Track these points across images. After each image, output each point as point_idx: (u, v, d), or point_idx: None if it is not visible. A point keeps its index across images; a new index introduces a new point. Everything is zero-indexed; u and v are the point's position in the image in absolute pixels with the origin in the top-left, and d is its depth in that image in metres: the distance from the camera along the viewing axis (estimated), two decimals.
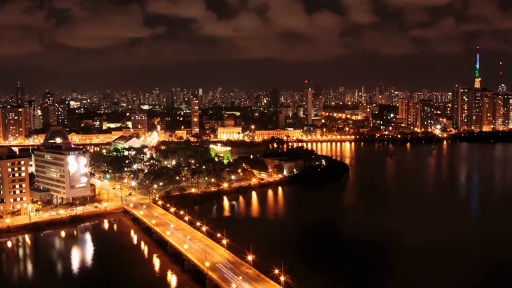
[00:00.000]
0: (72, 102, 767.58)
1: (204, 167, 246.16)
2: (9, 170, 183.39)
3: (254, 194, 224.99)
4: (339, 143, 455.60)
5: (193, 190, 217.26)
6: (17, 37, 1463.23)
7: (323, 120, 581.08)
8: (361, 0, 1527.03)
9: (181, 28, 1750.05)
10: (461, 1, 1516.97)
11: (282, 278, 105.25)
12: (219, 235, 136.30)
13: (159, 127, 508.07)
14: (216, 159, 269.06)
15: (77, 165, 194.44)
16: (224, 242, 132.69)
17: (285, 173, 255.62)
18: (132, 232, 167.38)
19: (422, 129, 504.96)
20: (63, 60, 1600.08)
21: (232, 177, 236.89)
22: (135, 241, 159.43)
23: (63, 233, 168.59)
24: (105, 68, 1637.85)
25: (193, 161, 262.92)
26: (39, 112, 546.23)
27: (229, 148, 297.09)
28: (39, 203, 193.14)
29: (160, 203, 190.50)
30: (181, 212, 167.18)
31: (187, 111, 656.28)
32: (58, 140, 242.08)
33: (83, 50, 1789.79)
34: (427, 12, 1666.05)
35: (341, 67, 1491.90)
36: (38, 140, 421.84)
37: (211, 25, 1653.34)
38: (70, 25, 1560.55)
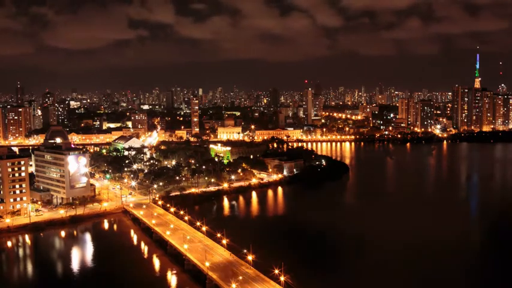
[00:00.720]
0: (72, 102, 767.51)
1: (204, 167, 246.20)
2: (9, 170, 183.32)
3: (254, 194, 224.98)
4: (339, 143, 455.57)
5: (193, 190, 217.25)
6: (6, 40, 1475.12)
7: (323, 120, 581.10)
8: (320, 3, 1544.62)
9: (162, 31, 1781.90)
10: (425, 3, 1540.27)
11: (282, 278, 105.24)
12: (219, 235, 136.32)
13: (159, 127, 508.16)
14: (216, 159, 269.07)
15: (77, 165, 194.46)
16: (224, 242, 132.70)
17: (285, 173, 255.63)
18: (132, 232, 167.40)
19: (422, 129, 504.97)
20: (55, 61, 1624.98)
21: (232, 177, 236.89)
22: (135, 241, 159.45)
23: (63, 233, 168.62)
24: (96, 68, 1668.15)
25: (193, 161, 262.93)
26: (39, 112, 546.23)
27: (229, 148, 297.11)
28: (39, 203, 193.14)
29: (160, 203, 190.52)
30: (181, 212, 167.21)
31: (187, 111, 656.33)
32: (58, 140, 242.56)
33: (73, 51, 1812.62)
34: (395, 14, 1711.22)
35: (323, 67, 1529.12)
36: (38, 140, 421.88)
37: (188, 29, 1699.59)
38: (52, 28, 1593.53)
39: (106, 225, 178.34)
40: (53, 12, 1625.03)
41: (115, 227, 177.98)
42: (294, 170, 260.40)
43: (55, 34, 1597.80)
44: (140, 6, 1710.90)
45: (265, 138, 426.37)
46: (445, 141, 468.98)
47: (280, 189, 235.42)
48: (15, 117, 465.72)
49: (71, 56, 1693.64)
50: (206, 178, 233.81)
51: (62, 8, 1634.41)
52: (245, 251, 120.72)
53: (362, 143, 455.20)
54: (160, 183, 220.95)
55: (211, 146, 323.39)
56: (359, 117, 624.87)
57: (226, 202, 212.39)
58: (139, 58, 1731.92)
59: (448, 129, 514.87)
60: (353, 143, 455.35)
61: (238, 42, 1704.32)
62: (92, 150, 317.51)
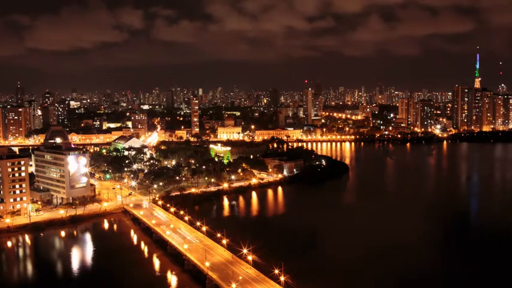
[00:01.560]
0: (72, 102, 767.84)
1: (204, 167, 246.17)
2: (9, 170, 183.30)
3: (254, 194, 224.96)
4: (339, 143, 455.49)
5: (193, 190, 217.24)
6: None
7: (323, 120, 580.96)
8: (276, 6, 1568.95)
9: (140, 34, 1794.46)
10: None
11: (282, 278, 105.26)
12: (219, 235, 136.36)
13: (159, 127, 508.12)
14: (216, 159, 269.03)
15: (77, 165, 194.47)
16: (224, 242, 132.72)
17: (285, 173, 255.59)
18: (132, 232, 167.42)
19: (422, 129, 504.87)
20: (46, 62, 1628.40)
21: (232, 177, 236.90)
22: (135, 241, 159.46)
23: (63, 233, 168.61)
24: (93, 68, 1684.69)
25: (193, 161, 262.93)
26: (39, 112, 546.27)
27: (229, 148, 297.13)
28: (39, 203, 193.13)
29: (160, 203, 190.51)
30: (181, 212, 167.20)
31: (187, 111, 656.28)
32: (58, 140, 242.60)
33: (61, 52, 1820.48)
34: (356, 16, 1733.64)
35: (303, 68, 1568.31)
36: (38, 140, 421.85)
37: (164, 32, 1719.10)
38: (29, 33, 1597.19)
39: (106, 225, 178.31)
40: (31, 17, 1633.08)
41: (115, 227, 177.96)
42: (294, 170, 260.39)
43: (33, 38, 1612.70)
44: (111, 11, 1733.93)
45: (265, 138, 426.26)
46: (445, 141, 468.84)
47: (280, 189, 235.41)
48: (15, 117, 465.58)
49: (59, 57, 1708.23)
50: (206, 178, 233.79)
51: (41, 11, 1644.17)
52: (245, 251, 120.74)
53: (362, 143, 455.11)
54: (160, 183, 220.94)
55: (211, 146, 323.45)
56: (359, 117, 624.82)
57: (226, 202, 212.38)
58: (126, 59, 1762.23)
59: (448, 129, 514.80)
60: (353, 143, 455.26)
61: (219, 44, 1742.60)
62: (92, 150, 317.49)
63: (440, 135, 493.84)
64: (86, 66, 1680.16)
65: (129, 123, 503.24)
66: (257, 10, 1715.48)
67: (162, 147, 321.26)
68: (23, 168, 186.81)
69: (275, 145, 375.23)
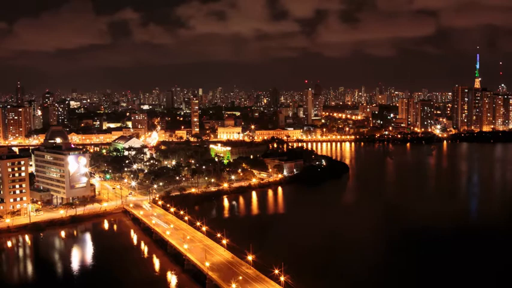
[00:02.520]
0: (72, 102, 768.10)
1: (204, 167, 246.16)
2: (9, 170, 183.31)
3: (254, 194, 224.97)
4: (339, 143, 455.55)
5: (193, 190, 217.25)
6: None
7: (323, 120, 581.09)
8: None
9: (121, 37, 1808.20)
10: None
11: (282, 278, 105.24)
12: (219, 235, 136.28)
13: (159, 127, 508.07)
14: (216, 159, 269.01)
15: (77, 165, 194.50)
16: (224, 242, 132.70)
17: (285, 173, 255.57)
18: (132, 232, 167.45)
19: (422, 129, 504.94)
20: (41, 62, 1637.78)
21: (232, 177, 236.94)
22: (135, 241, 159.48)
23: (63, 233, 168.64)
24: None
25: (193, 161, 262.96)
26: (39, 112, 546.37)
27: (229, 148, 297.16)
28: (39, 203, 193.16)
29: (160, 203, 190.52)
30: (181, 212, 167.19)
31: (187, 111, 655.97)
32: (58, 140, 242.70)
33: (53, 52, 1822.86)
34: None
35: (283, 69, 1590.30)
36: (38, 140, 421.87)
37: (144, 35, 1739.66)
38: (13, 37, 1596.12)
39: (106, 225, 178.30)
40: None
41: (115, 227, 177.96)
42: (294, 170, 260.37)
43: (19, 39, 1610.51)
44: (97, 14, 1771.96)
45: (265, 138, 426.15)
46: (445, 141, 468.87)
47: (280, 189, 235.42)
48: (15, 117, 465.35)
49: (52, 58, 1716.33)
50: (206, 178, 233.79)
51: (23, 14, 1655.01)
52: (245, 251, 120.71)
53: (362, 143, 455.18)
54: (160, 183, 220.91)
55: (211, 146, 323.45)
56: (359, 117, 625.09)
57: (226, 202, 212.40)
58: (113, 60, 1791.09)
59: (448, 129, 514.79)
60: (353, 143, 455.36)
61: (197, 45, 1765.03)
62: (92, 150, 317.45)
63: (440, 135, 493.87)
64: (75, 67, 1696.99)
65: (129, 123, 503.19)
66: (224, 13, 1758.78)
67: (162, 147, 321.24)
68: (23, 168, 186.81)
69: (275, 145, 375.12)
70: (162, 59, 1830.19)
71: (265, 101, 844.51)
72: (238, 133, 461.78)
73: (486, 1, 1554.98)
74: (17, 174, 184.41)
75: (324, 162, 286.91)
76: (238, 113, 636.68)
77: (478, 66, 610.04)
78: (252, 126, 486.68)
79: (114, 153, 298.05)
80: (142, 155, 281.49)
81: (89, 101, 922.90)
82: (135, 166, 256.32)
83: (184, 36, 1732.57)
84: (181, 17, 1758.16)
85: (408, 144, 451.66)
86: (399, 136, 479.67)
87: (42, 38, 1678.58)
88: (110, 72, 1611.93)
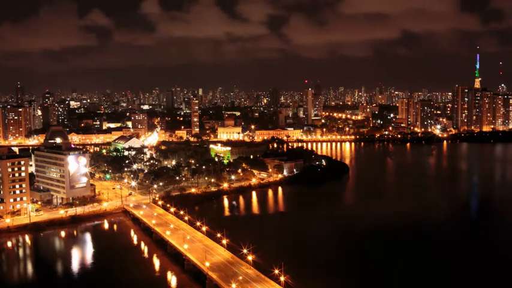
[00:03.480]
0: (72, 102, 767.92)
1: (204, 167, 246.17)
2: (9, 170, 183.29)
3: (254, 194, 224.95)
4: (339, 143, 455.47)
5: (193, 190, 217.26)
6: None
7: (323, 120, 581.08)
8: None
9: (104, 39, 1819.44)
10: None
11: (282, 278, 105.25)
12: (219, 235, 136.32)
13: (159, 127, 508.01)
14: (216, 159, 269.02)
15: (77, 165, 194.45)
16: (224, 242, 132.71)
17: (285, 173, 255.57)
18: (132, 232, 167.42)
19: (422, 129, 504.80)
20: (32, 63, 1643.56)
21: (232, 177, 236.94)
22: (135, 241, 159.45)
23: (63, 233, 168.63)
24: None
25: (193, 161, 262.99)
26: (39, 112, 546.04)
27: (229, 148, 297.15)
28: (39, 203, 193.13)
29: (160, 203, 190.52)
30: (181, 212, 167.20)
31: (187, 111, 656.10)
32: (58, 140, 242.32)
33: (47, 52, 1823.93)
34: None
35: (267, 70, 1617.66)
36: (38, 140, 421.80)
37: (122, 37, 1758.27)
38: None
39: (106, 225, 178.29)
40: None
41: (115, 227, 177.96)
42: (294, 170, 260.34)
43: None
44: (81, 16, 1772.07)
45: (265, 138, 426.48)
46: (445, 141, 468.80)
47: (280, 189, 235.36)
48: (15, 117, 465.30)
49: (46, 58, 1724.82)
50: (206, 178, 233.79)
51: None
52: (245, 251, 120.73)
53: (362, 143, 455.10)
54: (161, 183, 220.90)
55: (211, 146, 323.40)
56: (359, 117, 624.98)
57: (226, 202, 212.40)
58: (101, 62, 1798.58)
59: (448, 129, 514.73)
60: (353, 143, 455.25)
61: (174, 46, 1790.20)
62: (92, 150, 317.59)
63: (440, 135, 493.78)
64: (63, 68, 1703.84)
65: (129, 123, 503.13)
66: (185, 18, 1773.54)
67: (162, 147, 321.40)
68: (23, 168, 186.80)
69: (275, 145, 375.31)
70: (148, 59, 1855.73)
71: (265, 101, 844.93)
72: (238, 133, 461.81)
73: (431, 8, 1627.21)
74: (17, 174, 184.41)
75: (324, 162, 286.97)
76: (238, 113, 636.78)
77: (478, 66, 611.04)
78: (252, 126, 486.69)
79: (114, 153, 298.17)
80: (142, 155, 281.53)
81: (89, 101, 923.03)
82: (135, 166, 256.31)
83: (160, 38, 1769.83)
84: (150, 23, 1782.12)
85: (408, 144, 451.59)
86: (399, 136, 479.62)
87: (29, 39, 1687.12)
88: (100, 73, 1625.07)
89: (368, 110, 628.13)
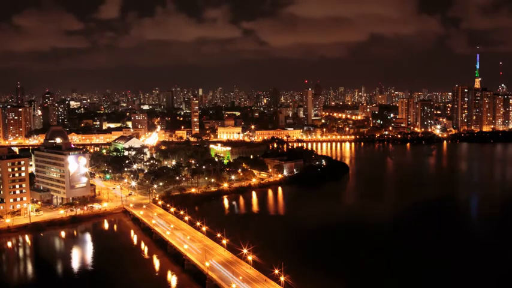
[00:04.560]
0: (72, 102, 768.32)
1: (204, 167, 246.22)
2: (9, 170, 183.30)
3: (254, 194, 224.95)
4: (339, 143, 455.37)
5: (193, 190, 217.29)
6: None
7: (323, 120, 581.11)
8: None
9: (89, 40, 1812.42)
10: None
11: (282, 278, 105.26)
12: (219, 235, 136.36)
13: (159, 127, 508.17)
14: (216, 159, 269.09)
15: (77, 165, 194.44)
16: (224, 242, 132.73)
17: (285, 173, 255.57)
18: (132, 232, 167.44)
19: (422, 129, 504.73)
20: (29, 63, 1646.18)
21: (232, 177, 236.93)
22: (135, 241, 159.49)
23: (63, 233, 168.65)
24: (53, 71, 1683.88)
25: (193, 161, 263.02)
26: (39, 112, 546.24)
27: (229, 148, 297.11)
28: (39, 203, 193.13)
29: (160, 203, 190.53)
30: (181, 212, 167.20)
31: (187, 111, 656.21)
32: (58, 140, 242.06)
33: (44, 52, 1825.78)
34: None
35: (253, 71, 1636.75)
36: (38, 140, 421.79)
37: (104, 39, 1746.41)
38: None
39: (106, 225, 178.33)
40: None
41: (115, 227, 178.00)
42: (294, 170, 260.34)
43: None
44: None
45: (265, 138, 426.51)
46: (445, 141, 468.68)
47: (280, 189, 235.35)
48: (15, 117, 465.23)
49: (43, 57, 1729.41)
50: (206, 178, 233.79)
51: None
52: (245, 251, 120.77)
53: (362, 143, 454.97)
54: (161, 183, 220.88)
55: (211, 146, 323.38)
56: (359, 117, 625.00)
57: (226, 202, 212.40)
58: (92, 63, 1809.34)
59: (448, 129, 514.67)
60: (353, 143, 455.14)
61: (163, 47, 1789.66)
62: (92, 150, 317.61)
63: (440, 135, 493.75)
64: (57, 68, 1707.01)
65: (129, 123, 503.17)
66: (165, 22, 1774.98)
67: (162, 147, 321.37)
68: (23, 168, 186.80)
69: (275, 145, 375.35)
70: (140, 59, 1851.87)
71: (265, 101, 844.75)
72: (238, 133, 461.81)
73: (388, 13, 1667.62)
74: (17, 174, 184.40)
75: (324, 162, 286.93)
76: (238, 113, 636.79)
77: (478, 66, 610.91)
78: (252, 126, 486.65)
79: (114, 153, 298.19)
80: (142, 155, 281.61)
81: (89, 101, 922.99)
82: (135, 166, 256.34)
83: (142, 41, 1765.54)
84: (128, 27, 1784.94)
85: (408, 144, 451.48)
86: (399, 136, 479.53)
87: (17, 39, 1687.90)
88: (91, 74, 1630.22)
89: (368, 110, 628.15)
